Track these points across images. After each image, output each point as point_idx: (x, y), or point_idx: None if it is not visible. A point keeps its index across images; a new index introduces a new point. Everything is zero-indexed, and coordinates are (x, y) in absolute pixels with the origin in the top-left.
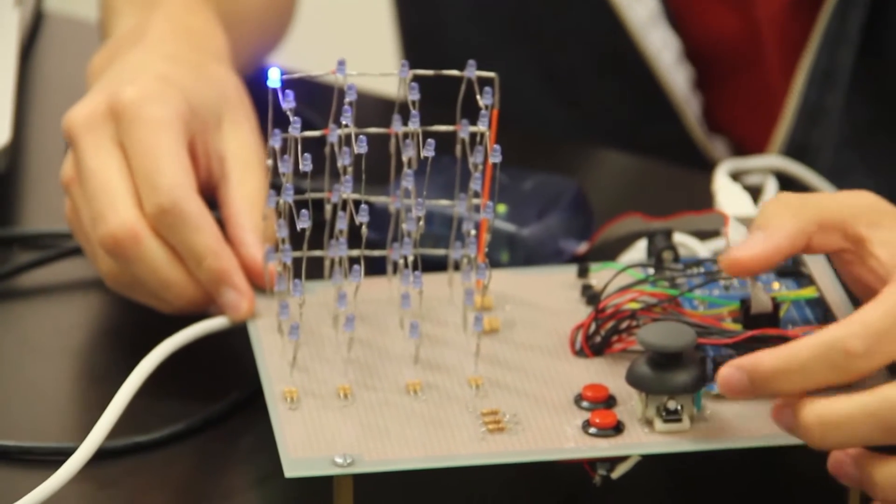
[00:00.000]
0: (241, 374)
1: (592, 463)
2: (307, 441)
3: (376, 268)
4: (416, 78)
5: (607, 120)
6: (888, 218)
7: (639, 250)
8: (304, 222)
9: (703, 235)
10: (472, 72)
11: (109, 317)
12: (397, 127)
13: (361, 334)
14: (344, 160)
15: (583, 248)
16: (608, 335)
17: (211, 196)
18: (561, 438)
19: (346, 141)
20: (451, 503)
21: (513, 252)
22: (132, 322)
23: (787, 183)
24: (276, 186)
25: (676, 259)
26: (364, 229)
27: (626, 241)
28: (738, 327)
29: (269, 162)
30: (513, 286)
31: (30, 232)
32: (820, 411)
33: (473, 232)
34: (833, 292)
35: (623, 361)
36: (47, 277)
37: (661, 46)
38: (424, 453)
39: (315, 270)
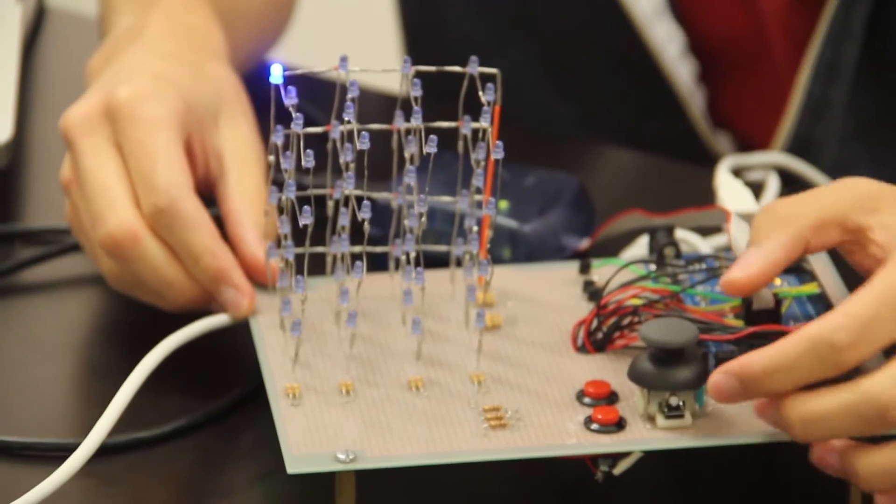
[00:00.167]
0: (243, 370)
1: (594, 459)
2: (309, 437)
3: (378, 264)
4: (418, 74)
5: (611, 116)
6: (885, 201)
7: (640, 246)
8: (306, 218)
9: (705, 232)
10: (474, 68)
11: (111, 313)
12: (399, 123)
13: (363, 330)
14: (346, 156)
15: (584, 244)
16: (610, 331)
17: (209, 194)
18: (563, 435)
19: (349, 137)
20: (453, 499)
21: (515, 248)
22: (134, 318)
23: (789, 179)
24: (278, 183)
25: (678, 255)
26: (366, 226)
27: (627, 238)
28: (739, 323)
29: (272, 158)
30: (515, 282)
31: (31, 228)
32: (801, 407)
33: (475, 228)
34: (835, 288)
35: (625, 358)
36: (49, 274)
37: (666, 40)
38: (426, 449)
39: (317, 267)
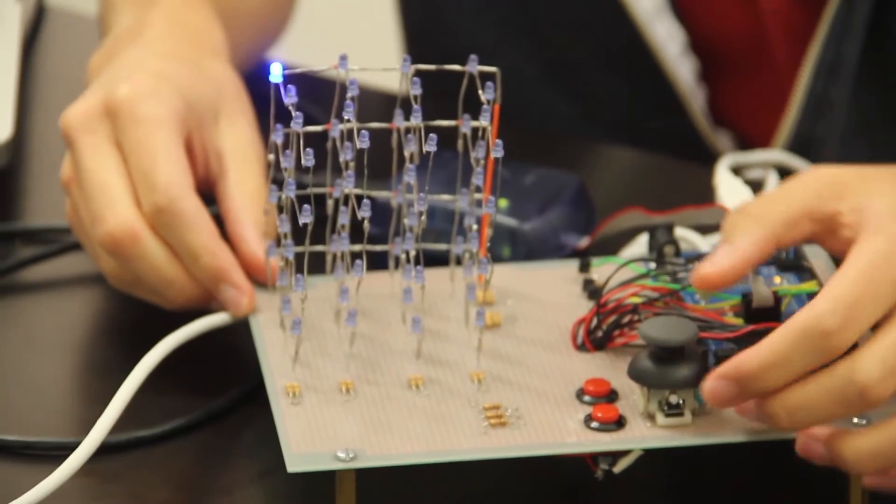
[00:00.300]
0: (244, 368)
1: (594, 457)
2: (309, 436)
3: (378, 263)
4: (417, 73)
5: (611, 114)
6: (850, 185)
7: (640, 245)
8: (305, 217)
9: (705, 230)
10: (473, 66)
11: (112, 312)
12: (399, 122)
13: (363, 329)
14: (346, 155)
15: (584, 242)
16: (610, 329)
17: (209, 192)
18: (563, 433)
19: (348, 136)
20: (453, 498)
21: (514, 247)
22: (134, 317)
23: (789, 177)
24: (278, 181)
25: (678, 253)
26: (366, 224)
27: (627, 236)
28: (739, 321)
29: (271, 157)
30: (514, 281)
31: (32, 227)
32: (782, 397)
33: (475, 227)
34: None
35: (625, 356)
36: (49, 272)
37: (667, 38)
38: (426, 448)
39: (317, 265)
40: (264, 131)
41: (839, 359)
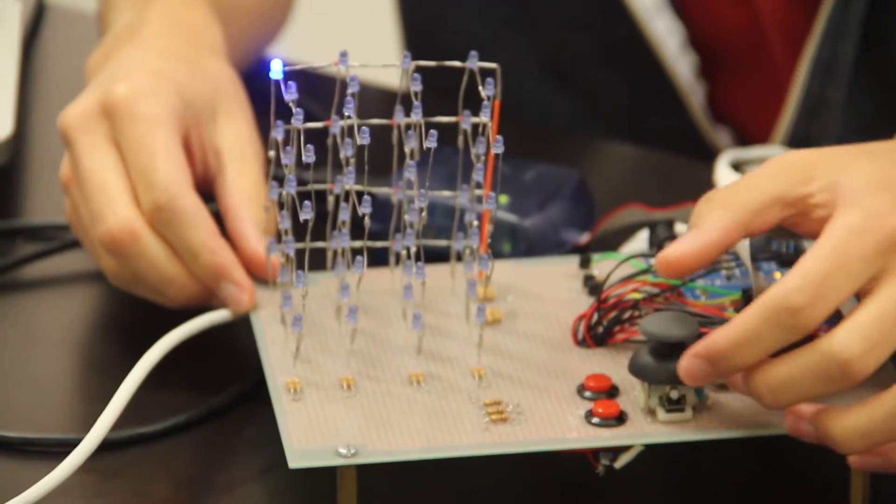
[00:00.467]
0: (245, 365)
1: (595, 453)
2: (310, 432)
3: (379, 259)
4: (418, 69)
5: (611, 110)
6: (818, 166)
7: (641, 240)
8: (306, 213)
9: None
10: (474, 62)
11: (112, 309)
12: (399, 118)
13: (364, 325)
14: (346, 151)
15: (585, 238)
16: (610, 325)
17: (208, 190)
18: (564, 428)
19: (349, 132)
20: (455, 493)
21: (515, 243)
22: (135, 314)
23: None
24: (278, 178)
25: None
26: (366, 220)
27: (627, 232)
28: None
29: (272, 153)
30: (515, 277)
31: (32, 224)
32: (765, 375)
33: (475, 223)
34: None
35: (625, 351)
36: (50, 269)
37: (666, 34)
38: (427, 444)
39: (318, 262)
40: (263, 129)
41: (822, 335)
